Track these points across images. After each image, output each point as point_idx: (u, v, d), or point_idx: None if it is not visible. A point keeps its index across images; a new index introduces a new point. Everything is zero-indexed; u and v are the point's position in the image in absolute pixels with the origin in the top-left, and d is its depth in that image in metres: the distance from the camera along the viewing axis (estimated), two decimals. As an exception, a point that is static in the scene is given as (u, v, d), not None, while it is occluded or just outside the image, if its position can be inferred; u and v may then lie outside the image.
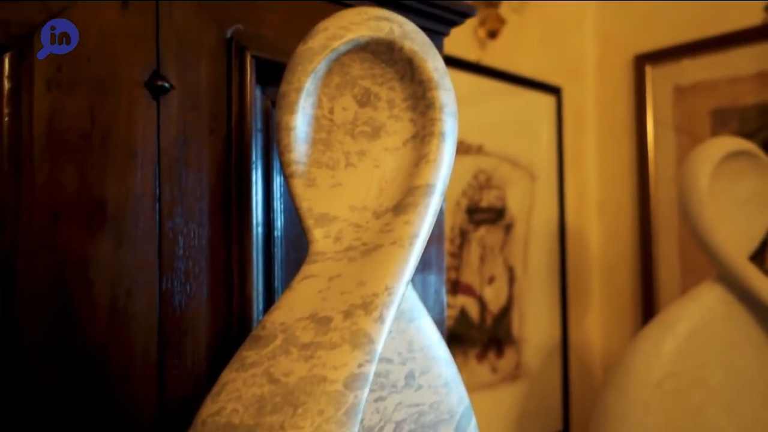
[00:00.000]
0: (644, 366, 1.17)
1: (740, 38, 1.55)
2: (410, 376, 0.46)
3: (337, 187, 0.45)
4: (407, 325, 0.46)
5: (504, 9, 1.50)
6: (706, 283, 1.21)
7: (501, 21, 1.46)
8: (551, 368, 1.62)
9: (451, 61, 1.39)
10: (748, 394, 1.19)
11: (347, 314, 0.39)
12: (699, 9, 1.62)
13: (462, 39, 1.45)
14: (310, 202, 0.43)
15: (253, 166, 0.52)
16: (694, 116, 1.63)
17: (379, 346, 0.39)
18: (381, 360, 0.45)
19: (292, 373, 0.37)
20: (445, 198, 0.65)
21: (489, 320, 1.45)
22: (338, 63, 0.44)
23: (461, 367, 1.34)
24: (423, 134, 0.45)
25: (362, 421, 0.44)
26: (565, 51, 1.74)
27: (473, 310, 1.42)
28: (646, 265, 1.69)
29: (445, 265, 0.66)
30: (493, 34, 1.47)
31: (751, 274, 1.15)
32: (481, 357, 1.43)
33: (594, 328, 1.78)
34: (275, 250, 0.54)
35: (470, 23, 1.45)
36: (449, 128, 0.46)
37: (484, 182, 1.46)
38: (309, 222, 0.43)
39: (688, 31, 1.63)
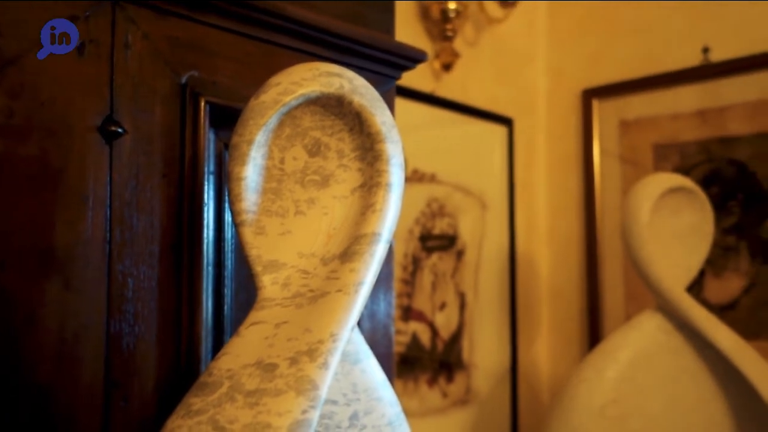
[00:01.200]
0: (587, 393, 1.21)
1: (681, 77, 1.63)
2: (354, 417, 0.47)
3: (286, 234, 0.46)
4: (352, 367, 0.47)
5: (458, 43, 1.55)
6: (646, 313, 1.26)
7: (455, 54, 1.50)
8: (500, 393, 1.65)
9: (407, 92, 1.42)
10: (685, 421, 1.24)
11: (293, 361, 0.41)
12: (643, 48, 1.70)
13: (418, 71, 1.47)
14: (259, 250, 0.45)
15: (205, 207, 0.53)
16: (638, 149, 1.70)
17: (324, 392, 0.41)
18: (326, 402, 0.46)
19: (237, 420, 0.38)
20: (395, 234, 0.67)
21: (440, 346, 1.48)
22: (289, 116, 0.46)
23: (412, 393, 1.36)
24: (370, 184, 0.47)
25: (307, 462, 0.45)
26: (517, 84, 1.80)
27: (425, 336, 1.44)
28: (593, 291, 1.75)
29: (394, 298, 0.68)
30: (447, 67, 1.51)
31: (688, 305, 1.20)
32: (432, 382, 1.45)
33: (542, 353, 1.82)
34: (225, 290, 0.55)
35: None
36: (396, 179, 0.48)
37: (436, 210, 1.49)
38: (258, 269, 0.45)
39: (633, 68, 1.71)
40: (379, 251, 0.46)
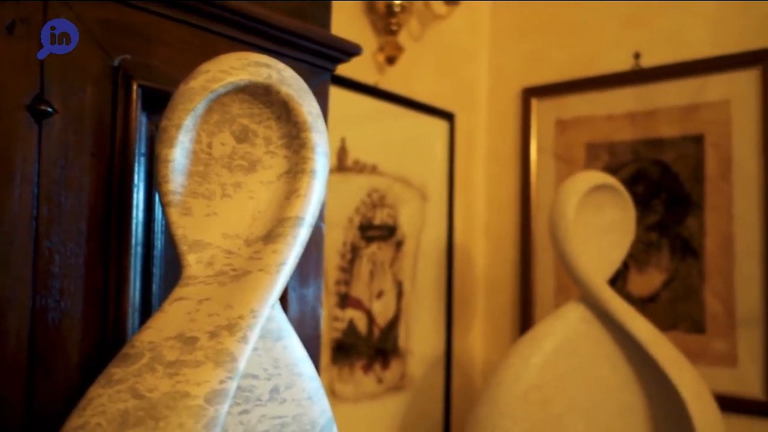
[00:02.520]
0: (513, 378, 1.27)
1: (614, 81, 1.71)
2: (275, 391, 0.50)
3: (212, 216, 0.48)
4: (274, 343, 0.50)
5: (403, 37, 1.58)
6: (570, 303, 1.33)
7: (399, 48, 1.53)
8: (435, 379, 1.70)
9: (351, 84, 1.45)
10: (603, 405, 1.31)
11: (213, 335, 0.43)
12: (580, 51, 1.77)
13: (362, 63, 1.51)
14: (184, 230, 0.47)
15: (135, 188, 0.54)
16: (572, 148, 1.77)
17: (242, 364, 0.43)
18: (247, 376, 0.48)
19: (156, 389, 0.40)
20: (324, 222, 0.70)
21: (376, 333, 1.52)
22: (218, 102, 0.48)
23: (347, 379, 1.39)
24: (296, 171, 0.50)
25: (226, 432, 0.47)
26: (459, 80, 1.85)
27: (361, 323, 1.47)
28: (525, 283, 1.82)
29: (323, 283, 0.71)
30: (391, 60, 1.54)
31: (608, 296, 1.28)
32: (368, 368, 1.49)
33: (477, 341, 1.88)
34: (154, 269, 0.56)
35: (371, 49, 1.52)
36: (320, 167, 0.51)
37: (377, 200, 1.53)
38: (183, 248, 0.47)
39: (570, 70, 1.78)
40: (302, 234, 0.49)
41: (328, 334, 1.39)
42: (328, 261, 1.39)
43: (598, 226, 1.33)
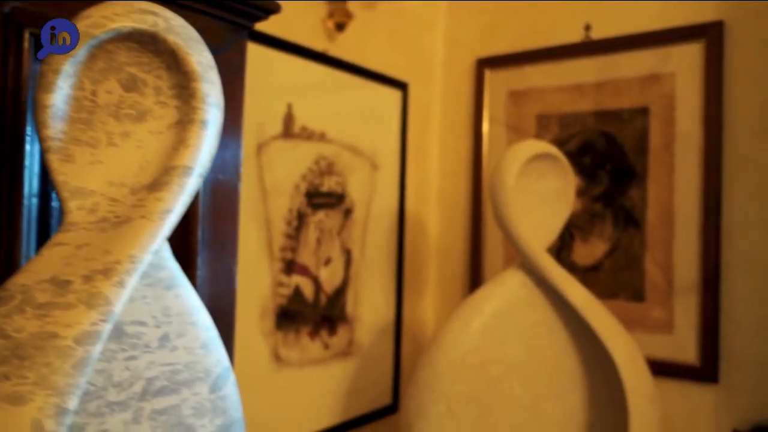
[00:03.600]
0: (452, 342, 1.30)
1: (564, 53, 1.72)
2: (165, 338, 0.51)
3: (96, 164, 0.48)
4: (164, 292, 0.51)
5: (354, 4, 1.57)
6: (510, 269, 1.36)
7: (348, 15, 1.52)
8: (384, 346, 1.73)
9: (299, 50, 1.44)
10: (540, 368, 1.35)
11: (87, 278, 0.43)
12: (532, 23, 1.78)
13: (311, 30, 1.50)
14: (66, 176, 0.47)
15: (29, 138, 0.54)
16: (524, 119, 1.79)
17: (117, 308, 0.44)
18: (134, 323, 0.49)
19: (23, 329, 0.41)
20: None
21: (323, 299, 1.53)
22: (102, 49, 0.48)
23: (293, 344, 1.40)
24: (185, 121, 0.50)
25: (111, 377, 0.48)
26: (414, 50, 1.85)
27: (308, 290, 1.48)
28: (476, 251, 1.84)
29: (238, 242, 0.71)
30: (340, 27, 1.53)
31: (546, 263, 1.30)
32: (314, 334, 1.51)
33: (428, 308, 1.91)
34: (52, 221, 0.56)
35: (320, 14, 1.51)
36: (211, 117, 0.51)
37: (325, 168, 1.53)
38: (64, 194, 0.47)
39: (523, 41, 1.79)
40: (190, 184, 0.49)
41: (272, 299, 1.40)
42: (274, 228, 1.40)
43: (538, 194, 1.35)
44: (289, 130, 1.43)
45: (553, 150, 1.34)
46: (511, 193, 1.29)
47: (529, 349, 1.34)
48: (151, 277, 0.50)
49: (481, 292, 1.35)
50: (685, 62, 1.55)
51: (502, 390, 1.32)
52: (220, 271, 0.70)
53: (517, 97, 1.80)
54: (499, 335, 1.32)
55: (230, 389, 0.57)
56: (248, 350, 1.35)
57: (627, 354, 1.28)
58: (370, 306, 1.67)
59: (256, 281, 1.36)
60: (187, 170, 0.49)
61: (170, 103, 0.51)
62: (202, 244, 0.68)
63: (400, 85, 1.77)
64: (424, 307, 1.90)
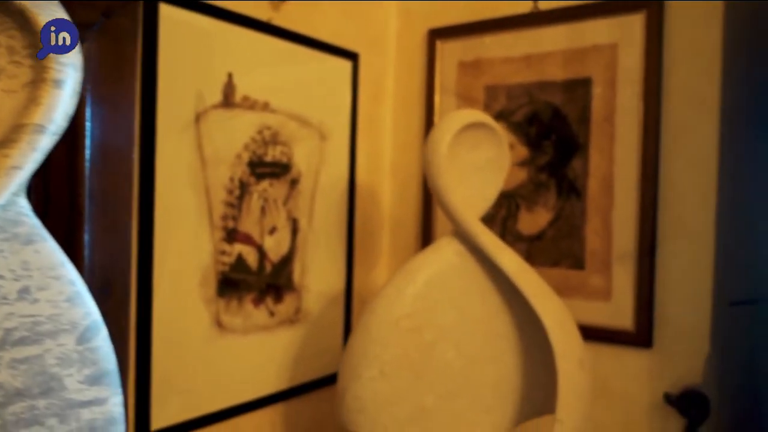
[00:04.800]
0: (386, 307, 1.33)
1: (511, 23, 1.73)
2: (25, 291, 0.53)
3: (-54, 121, 0.50)
4: (22, 247, 0.52)
5: (298, -27, 1.57)
6: (445, 237, 1.38)
7: (291, -16, 1.52)
8: (334, 314, 1.76)
9: (241, 19, 1.44)
10: (474, 333, 1.38)
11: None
12: (482, -8, 1.78)
13: (252, -2, 1.50)
14: None
15: None
16: (473, 90, 1.80)
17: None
18: (-9, 276, 0.51)
19: None
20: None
21: (268, 268, 1.55)
22: (-52, 9, 0.49)
23: (236, 311, 1.43)
24: (38, 80, 0.52)
25: (-35, 327, 0.50)
26: (364, 20, 1.85)
27: (251, 258, 1.50)
28: (428, 221, 1.87)
29: (133, 209, 0.73)
30: (284, -4, 1.53)
31: (478, 231, 1.33)
32: (259, 302, 1.53)
33: (381, 277, 1.94)
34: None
35: (261, -17, 1.51)
36: (66, 77, 0.52)
37: (269, 138, 1.54)
38: None
39: (473, 12, 1.79)
40: (42, 141, 0.51)
41: (213, 267, 1.42)
42: (214, 196, 1.41)
43: (473, 163, 1.37)
44: (229, 99, 1.44)
45: (487, 119, 1.36)
46: (444, 162, 1.31)
47: (462, 314, 1.37)
48: (7, 232, 0.52)
49: (416, 260, 1.38)
50: (626, 33, 1.56)
51: (435, 354, 1.35)
52: (113, 230, 0.72)
53: (467, 68, 1.81)
54: (433, 301, 1.35)
55: (101, 342, 0.59)
56: (188, 316, 1.37)
57: (557, 319, 1.31)
58: (318, 275, 1.70)
59: (195, 249, 1.37)
60: (38, 128, 0.51)
61: (24, 62, 0.52)
62: (91, 204, 0.70)
63: (351, 56, 1.78)
64: (377, 276, 1.93)
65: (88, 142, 0.67)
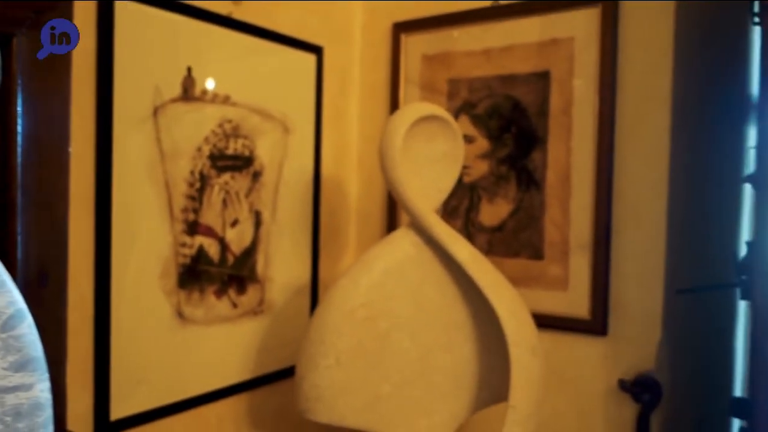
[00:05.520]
0: (341, 297, 1.35)
1: (473, 17, 1.75)
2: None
3: None
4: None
5: (258, -33, 1.58)
6: (401, 229, 1.41)
7: (251, -22, 1.53)
8: (299, 305, 1.78)
9: (198, 13, 1.45)
10: (429, 322, 1.41)
11: None
12: (444, -14, 1.80)
13: (211, -8, 1.51)
14: None
15: None
16: (437, 83, 1.82)
17: None
18: None
19: None
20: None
21: (231, 259, 1.57)
22: None
23: (197, 302, 1.45)
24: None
25: None
26: (329, 13, 1.86)
27: (212, 250, 1.52)
28: (394, 213, 1.89)
29: (69, 201, 0.75)
30: (244, -10, 1.54)
31: (433, 222, 1.35)
32: (221, 293, 1.55)
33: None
34: None
35: (221, -23, 1.52)
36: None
37: (230, 131, 1.55)
38: None
39: (436, 6, 1.81)
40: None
41: (174, 259, 1.44)
42: (174, 189, 1.43)
43: (428, 156, 1.39)
44: (189, 93, 1.45)
45: (442, 113, 1.38)
46: (399, 155, 1.33)
47: (418, 304, 1.40)
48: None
49: (373, 251, 1.40)
50: (583, 27, 1.59)
51: (390, 343, 1.38)
52: (48, 223, 0.74)
53: (430, 61, 1.84)
54: (389, 291, 1.38)
55: (25, 329, 0.61)
56: (149, 308, 1.39)
57: (509, 308, 1.34)
58: (282, 266, 1.72)
59: (154, 241, 1.39)
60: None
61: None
62: (24, 197, 0.71)
63: (314, 49, 1.79)
64: (344, 267, 1.95)
65: (19, 136, 0.69)
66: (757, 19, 1.18)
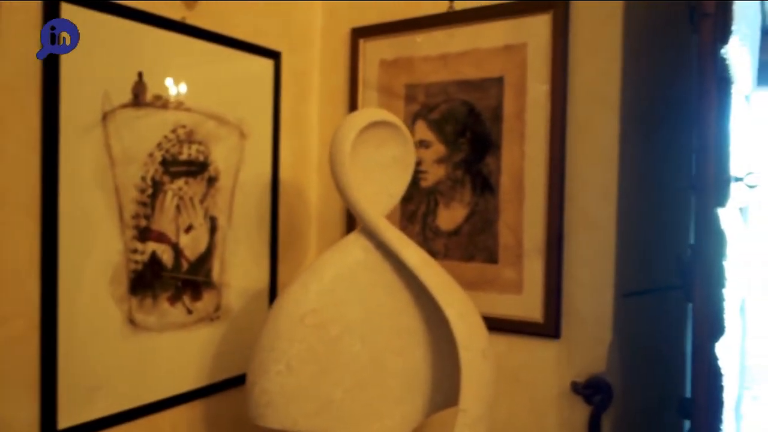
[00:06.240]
0: (292, 304, 1.35)
1: (430, 23, 1.76)
2: None
3: None
4: None
5: (212, -28, 1.58)
6: (352, 234, 1.41)
7: (203, -16, 1.53)
8: (257, 311, 1.78)
9: (149, 18, 1.44)
10: (380, 327, 1.42)
11: None
12: (401, -8, 1.81)
13: (164, -3, 1.50)
14: None
15: None
16: (395, 88, 1.83)
17: None
18: None
19: None
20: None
21: (185, 265, 1.56)
22: None
23: (150, 309, 1.44)
24: None
25: None
26: (287, 19, 1.86)
27: (166, 256, 1.51)
28: (352, 217, 1.90)
29: None
30: (197, -5, 1.54)
31: (383, 227, 1.36)
32: (175, 299, 1.54)
33: (308, 275, 1.96)
34: None
35: (173, -18, 1.51)
36: None
37: (184, 137, 1.55)
38: None
39: (393, 11, 1.82)
40: None
41: (125, 265, 1.43)
42: (124, 195, 1.42)
43: (378, 161, 1.40)
44: (140, 98, 1.45)
45: (392, 118, 1.39)
46: (348, 160, 1.33)
47: (368, 309, 1.40)
48: None
49: (324, 257, 1.40)
50: (535, 33, 1.61)
51: (342, 348, 1.38)
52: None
53: (388, 66, 1.84)
54: (339, 297, 1.38)
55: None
56: (98, 315, 1.38)
57: (460, 311, 1.35)
58: (240, 272, 1.72)
59: (103, 247, 1.38)
60: None
61: None
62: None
63: (272, 54, 1.79)
64: (304, 273, 1.95)
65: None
66: (692, 26, 1.20)
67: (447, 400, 1.48)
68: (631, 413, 1.53)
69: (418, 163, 1.77)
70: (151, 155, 1.48)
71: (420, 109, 1.78)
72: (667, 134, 1.47)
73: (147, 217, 1.47)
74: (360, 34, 1.88)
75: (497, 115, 1.66)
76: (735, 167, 1.18)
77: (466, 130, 1.71)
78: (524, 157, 1.62)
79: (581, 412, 1.55)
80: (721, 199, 1.16)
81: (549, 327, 1.58)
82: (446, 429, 1.67)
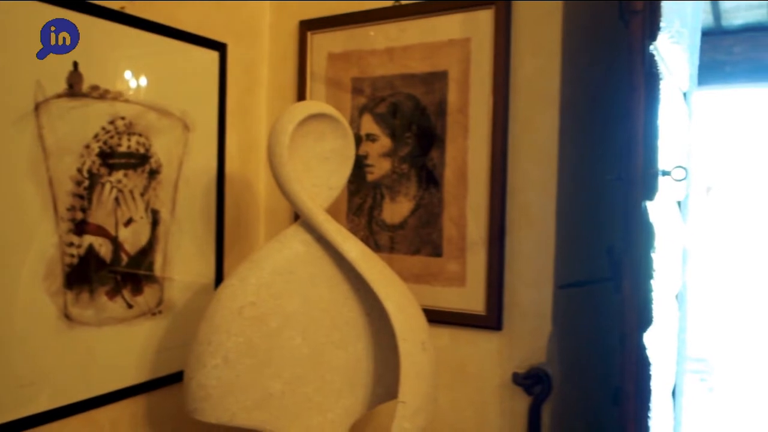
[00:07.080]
0: (229, 297, 1.34)
1: (376, 16, 1.76)
2: None
3: None
4: None
5: (152, -39, 1.55)
6: (292, 227, 1.41)
7: (142, -27, 1.51)
8: (201, 305, 1.75)
9: (85, 7, 1.42)
10: (320, 319, 1.42)
11: None
12: (348, -15, 1.81)
13: (101, -14, 1.47)
14: None
15: None
16: (342, 81, 1.83)
17: None
18: None
19: None
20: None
21: (124, 259, 1.54)
22: None
23: (87, 303, 1.42)
24: None
25: None
26: (234, 11, 1.84)
27: (104, 249, 1.49)
28: (301, 213, 1.89)
29: None
30: (135, -15, 1.51)
31: (322, 220, 1.36)
32: (114, 294, 1.52)
33: (256, 269, 1.95)
34: None
35: (111, -29, 1.49)
36: None
37: (123, 128, 1.52)
38: None
39: (341, 4, 1.82)
40: None
41: (60, 259, 1.40)
42: (59, 187, 1.39)
43: (318, 154, 1.40)
44: (75, 88, 1.42)
45: (330, 110, 1.39)
46: (286, 153, 1.33)
47: (308, 302, 1.40)
48: None
49: (263, 250, 1.40)
50: (478, 28, 1.62)
51: (280, 341, 1.38)
52: None
53: (336, 59, 1.84)
54: (278, 289, 1.37)
55: None
56: (31, 309, 1.35)
57: (399, 303, 1.36)
58: (184, 266, 1.70)
59: (36, 240, 1.35)
60: None
61: None
62: None
63: (218, 46, 1.78)
64: (252, 267, 1.93)
65: None
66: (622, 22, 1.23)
67: (388, 393, 1.48)
68: (571, 403, 1.56)
69: (365, 157, 1.77)
70: (87, 147, 1.45)
71: (366, 102, 1.78)
72: (604, 130, 1.50)
73: (84, 210, 1.44)
74: (308, 26, 1.88)
75: (442, 110, 1.67)
76: (664, 161, 1.21)
77: (411, 123, 1.72)
78: (468, 152, 1.64)
79: (522, 402, 1.58)
80: (648, 192, 1.19)
81: (491, 319, 1.60)
82: (386, 421, 1.68)
